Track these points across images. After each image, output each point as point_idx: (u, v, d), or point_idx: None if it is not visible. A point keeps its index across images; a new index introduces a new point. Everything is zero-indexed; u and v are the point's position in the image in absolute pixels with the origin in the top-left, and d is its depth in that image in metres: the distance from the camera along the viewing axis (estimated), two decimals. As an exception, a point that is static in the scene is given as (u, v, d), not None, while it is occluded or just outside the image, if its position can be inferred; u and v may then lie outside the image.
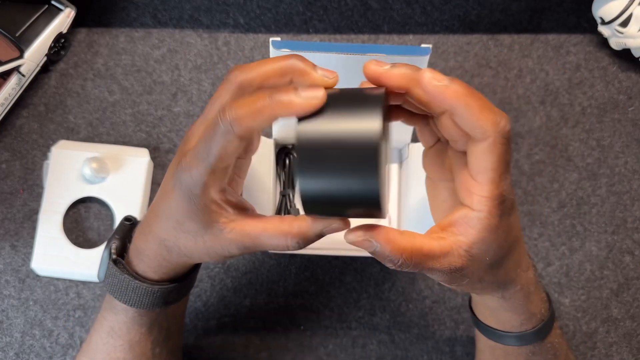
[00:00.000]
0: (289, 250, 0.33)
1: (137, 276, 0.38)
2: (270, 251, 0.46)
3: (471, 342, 0.59)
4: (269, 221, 0.33)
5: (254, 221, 0.33)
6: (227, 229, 0.33)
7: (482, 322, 0.43)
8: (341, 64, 0.43)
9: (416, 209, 0.54)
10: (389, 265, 0.31)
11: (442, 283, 0.34)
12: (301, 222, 0.32)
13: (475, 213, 0.31)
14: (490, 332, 0.42)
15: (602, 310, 0.60)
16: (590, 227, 0.62)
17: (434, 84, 0.29)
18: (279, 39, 0.42)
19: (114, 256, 0.38)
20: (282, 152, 0.58)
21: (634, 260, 0.61)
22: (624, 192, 0.62)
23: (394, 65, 0.30)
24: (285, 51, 0.42)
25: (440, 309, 0.59)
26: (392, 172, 0.59)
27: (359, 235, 0.30)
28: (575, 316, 0.60)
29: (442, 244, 0.31)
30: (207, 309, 0.59)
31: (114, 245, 0.39)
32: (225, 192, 0.33)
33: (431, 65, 0.64)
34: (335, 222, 0.31)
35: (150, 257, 0.37)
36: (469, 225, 0.31)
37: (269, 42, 0.43)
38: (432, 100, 0.30)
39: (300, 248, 0.33)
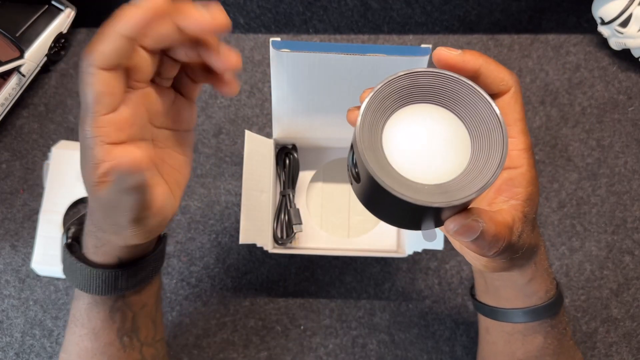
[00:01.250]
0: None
1: (85, 260, 0.38)
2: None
3: (471, 342, 0.59)
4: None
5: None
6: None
7: (501, 309, 0.41)
8: (341, 64, 0.43)
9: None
10: (489, 251, 0.29)
11: (495, 260, 0.32)
12: None
13: (517, 170, 0.31)
14: (514, 315, 0.41)
15: (602, 310, 0.60)
16: (590, 227, 0.62)
17: (454, 55, 0.31)
18: (279, 39, 0.42)
19: (69, 240, 0.39)
20: (282, 152, 0.58)
21: (634, 260, 0.61)
22: (624, 192, 0.62)
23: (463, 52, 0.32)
24: (285, 51, 0.42)
25: (440, 309, 0.59)
26: None
27: (465, 217, 0.27)
28: (575, 316, 0.60)
29: (505, 215, 0.30)
30: (207, 309, 0.59)
31: (70, 231, 0.39)
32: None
33: (431, 66, 0.64)
34: None
35: (88, 235, 0.37)
36: (515, 185, 0.31)
37: (269, 42, 0.43)
38: (463, 67, 0.31)
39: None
